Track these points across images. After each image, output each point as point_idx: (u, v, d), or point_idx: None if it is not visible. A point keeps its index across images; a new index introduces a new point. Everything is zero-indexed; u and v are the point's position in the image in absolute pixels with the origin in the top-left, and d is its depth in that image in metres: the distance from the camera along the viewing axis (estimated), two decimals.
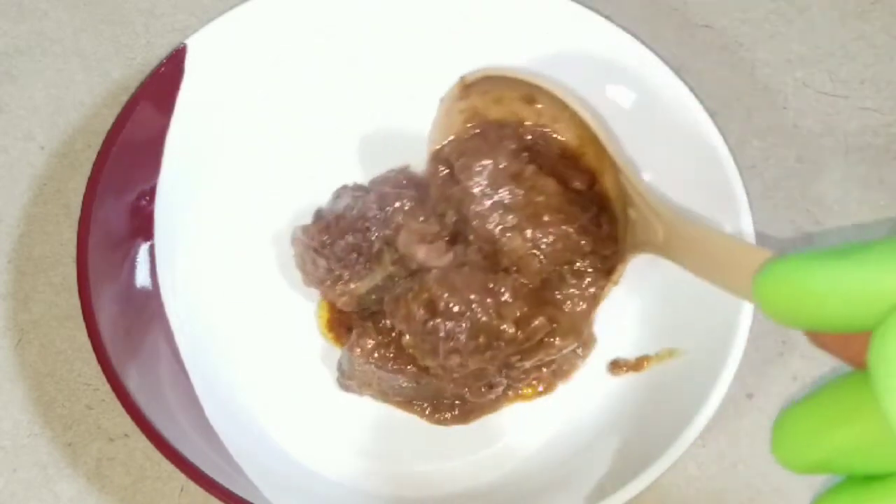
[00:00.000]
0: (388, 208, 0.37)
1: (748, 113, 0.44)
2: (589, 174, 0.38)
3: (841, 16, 0.46)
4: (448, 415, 0.38)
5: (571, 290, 0.36)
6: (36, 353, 0.39)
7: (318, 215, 0.39)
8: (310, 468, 0.37)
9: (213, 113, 0.40)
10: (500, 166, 0.37)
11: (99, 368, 0.33)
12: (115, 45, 0.44)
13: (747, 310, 0.34)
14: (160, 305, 0.37)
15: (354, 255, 0.37)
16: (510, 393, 0.38)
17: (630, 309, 0.39)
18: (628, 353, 0.38)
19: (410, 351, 0.35)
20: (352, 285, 0.37)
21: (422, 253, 0.36)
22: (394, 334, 0.36)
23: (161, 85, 0.38)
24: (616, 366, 0.39)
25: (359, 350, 0.36)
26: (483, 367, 0.35)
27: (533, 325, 0.35)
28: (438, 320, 0.34)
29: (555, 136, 0.38)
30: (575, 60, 0.40)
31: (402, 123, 0.41)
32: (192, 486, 0.32)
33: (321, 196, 0.40)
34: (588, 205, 0.37)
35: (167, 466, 0.34)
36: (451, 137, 0.39)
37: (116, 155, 0.36)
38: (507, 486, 0.37)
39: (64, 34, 0.44)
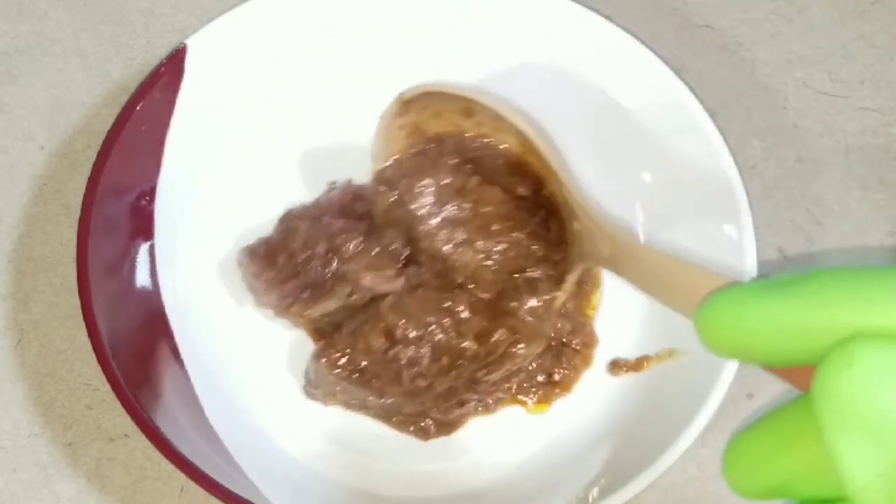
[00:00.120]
0: (339, 245, 0.35)
1: (748, 113, 0.44)
2: (535, 179, 0.37)
3: (841, 16, 0.46)
4: (432, 427, 0.37)
5: (527, 298, 0.35)
6: (36, 353, 0.39)
7: (266, 248, 0.37)
8: (310, 468, 0.37)
9: (213, 113, 0.40)
10: (443, 183, 0.37)
11: (99, 368, 0.33)
12: (115, 45, 0.44)
13: None
14: (160, 305, 0.37)
15: (308, 291, 0.36)
16: (480, 408, 0.37)
17: (630, 309, 0.39)
18: (628, 353, 0.39)
19: (373, 382, 0.35)
20: (305, 313, 0.36)
21: (373, 281, 0.35)
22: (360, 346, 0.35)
23: (161, 85, 0.38)
24: (616, 366, 0.39)
25: (324, 360, 0.35)
26: (451, 387, 0.35)
27: (494, 338, 0.35)
28: (399, 347, 0.34)
29: (499, 146, 0.38)
30: (575, 60, 0.40)
31: None
32: (192, 486, 0.33)
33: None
34: (535, 209, 0.37)
35: (167, 466, 0.34)
36: (395, 157, 0.39)
37: (116, 155, 0.36)
38: (507, 486, 0.37)
39: (64, 34, 0.44)
